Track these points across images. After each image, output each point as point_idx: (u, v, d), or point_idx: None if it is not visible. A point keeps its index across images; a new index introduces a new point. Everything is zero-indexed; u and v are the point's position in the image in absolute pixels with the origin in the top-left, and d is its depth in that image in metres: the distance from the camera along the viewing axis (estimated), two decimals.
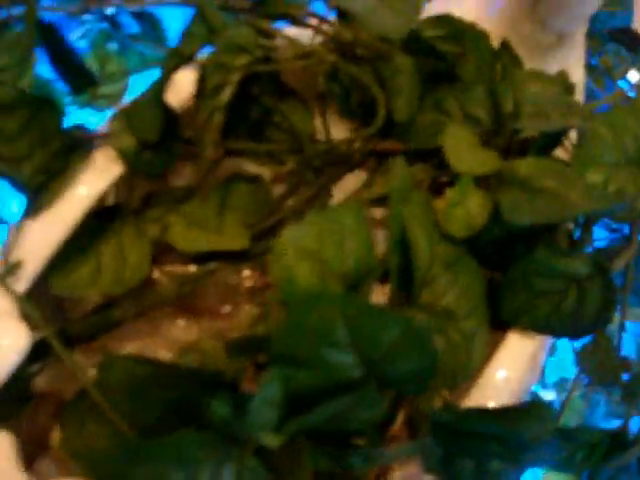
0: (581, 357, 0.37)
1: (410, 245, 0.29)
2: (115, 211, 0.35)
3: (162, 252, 0.36)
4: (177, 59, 0.32)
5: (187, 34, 0.31)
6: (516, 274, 0.32)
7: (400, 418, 0.29)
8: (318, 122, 0.37)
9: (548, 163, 0.31)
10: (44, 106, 0.31)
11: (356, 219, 0.26)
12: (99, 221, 0.35)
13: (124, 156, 0.33)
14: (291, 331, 0.24)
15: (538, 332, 0.34)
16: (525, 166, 0.31)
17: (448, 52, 0.36)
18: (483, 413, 0.27)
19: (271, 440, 0.25)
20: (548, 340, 0.36)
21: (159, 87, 0.32)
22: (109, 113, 0.34)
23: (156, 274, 0.36)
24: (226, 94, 0.31)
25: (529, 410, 0.27)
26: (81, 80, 0.34)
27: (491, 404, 0.33)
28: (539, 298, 0.33)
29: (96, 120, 0.34)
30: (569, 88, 0.36)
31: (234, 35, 0.31)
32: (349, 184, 0.39)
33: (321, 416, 0.25)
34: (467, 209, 0.30)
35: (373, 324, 0.23)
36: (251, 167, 0.38)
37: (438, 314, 0.30)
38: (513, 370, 0.34)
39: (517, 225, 0.30)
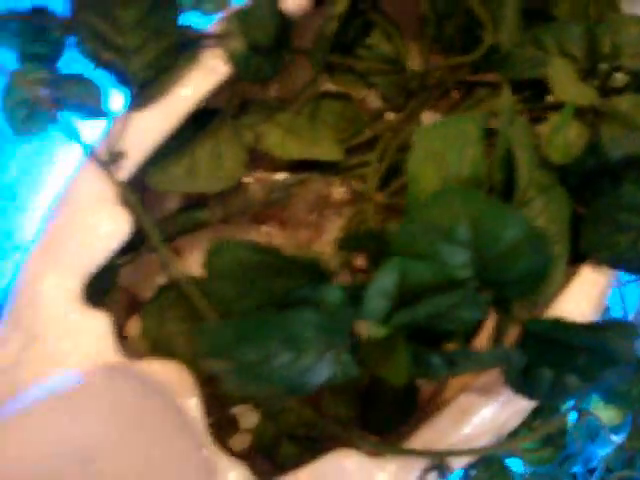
0: None
1: (513, 165, 0.30)
2: (213, 114, 0.36)
3: (255, 159, 0.37)
4: None
5: None
6: (601, 207, 0.34)
7: (486, 328, 0.31)
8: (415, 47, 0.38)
9: None
10: (162, 1, 0.32)
11: (477, 129, 0.27)
12: (198, 122, 0.36)
13: (233, 59, 0.34)
14: (413, 226, 0.25)
15: (614, 267, 0.35)
16: (625, 102, 0.32)
17: None
18: (575, 325, 0.28)
19: (377, 331, 0.27)
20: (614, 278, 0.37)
21: None
22: (217, 16, 0.35)
23: (247, 180, 0.37)
24: (343, 3, 0.32)
25: (617, 327, 0.28)
26: None
27: None
28: (620, 233, 0.34)
29: (204, 22, 0.35)
30: None
31: None
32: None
33: (426, 311, 0.26)
34: (567, 137, 0.31)
35: (495, 221, 0.24)
36: (342, 86, 0.39)
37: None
38: (583, 303, 0.36)
39: (613, 158, 0.32)
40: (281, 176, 0.37)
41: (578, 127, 0.32)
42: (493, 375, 0.33)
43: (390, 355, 0.28)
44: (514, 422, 0.35)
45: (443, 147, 0.27)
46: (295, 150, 0.35)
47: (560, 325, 0.28)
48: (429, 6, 0.37)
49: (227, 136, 0.36)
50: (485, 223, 0.24)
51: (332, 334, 0.27)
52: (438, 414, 0.33)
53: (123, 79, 0.34)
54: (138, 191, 0.34)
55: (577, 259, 0.36)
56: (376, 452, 0.33)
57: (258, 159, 0.37)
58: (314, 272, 0.28)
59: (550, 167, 0.32)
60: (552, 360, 0.30)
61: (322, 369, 0.28)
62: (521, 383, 0.31)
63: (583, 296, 0.36)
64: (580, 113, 0.33)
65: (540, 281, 0.26)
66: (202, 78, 0.34)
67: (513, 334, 0.30)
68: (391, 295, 0.26)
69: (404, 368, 0.28)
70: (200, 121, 0.36)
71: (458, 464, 0.34)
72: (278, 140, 0.35)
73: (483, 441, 0.33)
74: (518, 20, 0.35)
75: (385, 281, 0.26)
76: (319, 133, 0.36)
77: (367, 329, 0.27)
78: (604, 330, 0.29)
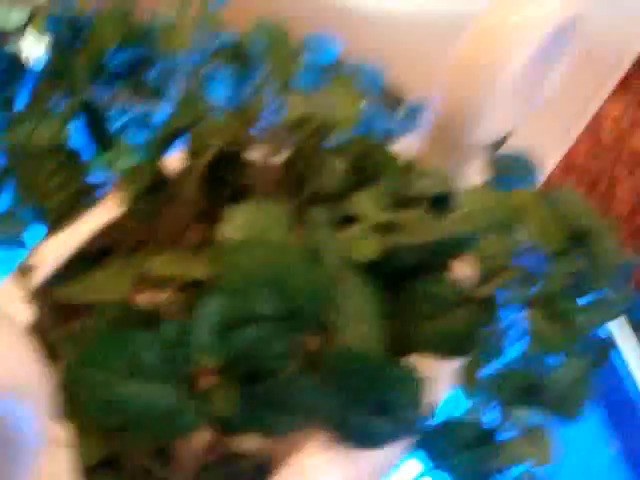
0: None
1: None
2: (110, 249, 0.47)
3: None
4: (167, 136, 0.45)
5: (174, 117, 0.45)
6: (405, 300, 0.43)
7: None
8: None
9: None
10: (74, 157, 0.45)
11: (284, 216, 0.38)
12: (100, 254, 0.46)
13: (124, 202, 0.45)
14: (228, 270, 0.35)
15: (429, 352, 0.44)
16: (412, 216, 0.43)
17: None
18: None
19: (208, 360, 0.35)
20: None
21: (153, 157, 0.46)
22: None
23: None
24: (205, 159, 0.45)
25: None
26: (103, 146, 0.48)
27: None
28: (423, 319, 0.43)
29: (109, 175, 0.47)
30: None
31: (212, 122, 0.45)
32: None
33: (242, 340, 0.35)
34: (366, 243, 0.42)
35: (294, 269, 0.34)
36: None
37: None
38: None
39: (407, 261, 0.42)
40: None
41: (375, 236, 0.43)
42: None
43: (220, 391, 0.36)
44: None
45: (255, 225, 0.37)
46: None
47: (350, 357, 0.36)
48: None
49: (119, 264, 0.46)
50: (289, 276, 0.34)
51: (173, 364, 0.35)
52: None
53: (42, 216, 0.45)
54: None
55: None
56: None
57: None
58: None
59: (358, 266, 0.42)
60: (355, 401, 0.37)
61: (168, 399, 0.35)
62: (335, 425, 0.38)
63: None
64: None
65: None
66: (100, 216, 0.46)
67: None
68: (214, 327, 0.35)
69: (233, 402, 0.36)
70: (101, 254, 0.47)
71: None
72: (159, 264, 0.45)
73: None
74: None
75: (210, 315, 0.34)
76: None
77: (202, 359, 0.35)
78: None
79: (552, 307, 0.42)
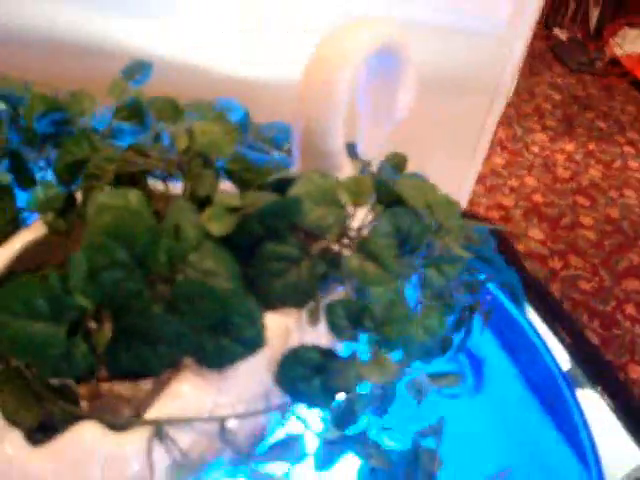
0: None
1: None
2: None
3: None
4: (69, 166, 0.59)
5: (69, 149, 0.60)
6: (258, 262, 0.55)
7: None
8: None
9: None
10: (8, 190, 0.59)
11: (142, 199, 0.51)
12: None
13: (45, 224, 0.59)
14: (92, 229, 0.47)
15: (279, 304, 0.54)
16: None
17: None
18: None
19: (84, 300, 0.47)
20: None
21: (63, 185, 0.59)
22: None
23: None
24: (105, 180, 0.58)
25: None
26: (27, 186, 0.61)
27: None
28: (273, 277, 0.54)
29: None
30: None
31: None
32: None
33: (107, 282, 0.47)
34: (221, 219, 0.54)
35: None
36: None
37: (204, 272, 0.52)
38: None
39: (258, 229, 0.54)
40: None
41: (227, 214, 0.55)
42: None
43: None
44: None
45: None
46: None
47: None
48: None
49: None
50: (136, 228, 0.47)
51: (61, 308, 0.47)
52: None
53: None
54: None
55: None
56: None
57: None
58: None
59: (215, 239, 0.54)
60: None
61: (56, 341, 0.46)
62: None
63: None
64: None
65: None
66: (26, 236, 0.59)
67: None
68: (83, 273, 0.46)
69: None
70: None
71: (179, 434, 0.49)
72: None
73: None
74: None
75: (80, 264, 0.47)
76: None
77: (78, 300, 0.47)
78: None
79: (368, 252, 0.53)
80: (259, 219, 0.54)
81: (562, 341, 0.72)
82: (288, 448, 0.54)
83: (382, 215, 0.56)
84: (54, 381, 0.50)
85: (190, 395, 0.50)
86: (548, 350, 0.72)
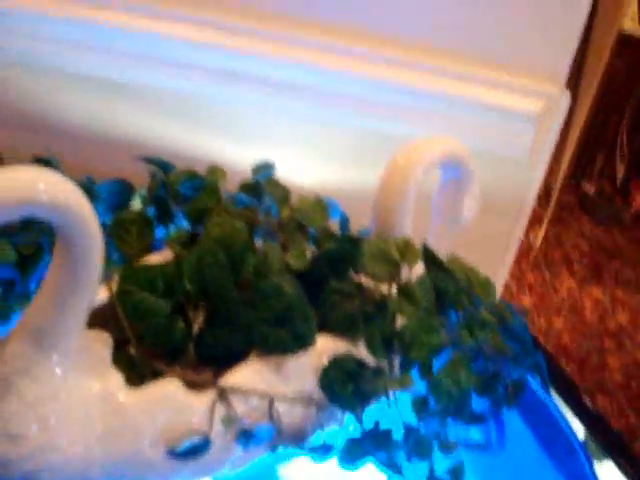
0: None
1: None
2: None
3: None
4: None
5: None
6: (322, 295, 0.71)
7: None
8: None
9: None
10: (150, 223, 0.79)
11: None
12: None
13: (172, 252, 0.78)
14: (205, 239, 0.66)
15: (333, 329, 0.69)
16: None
17: None
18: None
19: (190, 286, 0.64)
20: None
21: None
22: None
23: None
24: None
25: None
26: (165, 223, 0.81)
27: None
28: (332, 307, 0.70)
29: None
30: None
31: None
32: None
33: (208, 275, 0.64)
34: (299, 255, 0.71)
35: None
36: None
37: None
38: None
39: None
40: None
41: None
42: None
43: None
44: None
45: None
46: None
47: None
48: None
49: None
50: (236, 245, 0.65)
51: (172, 289, 0.64)
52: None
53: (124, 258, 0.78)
54: None
55: None
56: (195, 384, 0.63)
57: None
58: None
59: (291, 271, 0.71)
60: None
61: None
62: None
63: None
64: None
65: None
66: (153, 259, 0.78)
67: None
68: (193, 267, 0.65)
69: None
70: None
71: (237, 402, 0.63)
72: None
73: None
74: None
75: (190, 260, 0.65)
76: None
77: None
78: None
79: (407, 293, 0.68)
80: (327, 261, 0.71)
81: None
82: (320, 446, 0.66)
83: (426, 273, 0.71)
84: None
85: (251, 374, 0.65)
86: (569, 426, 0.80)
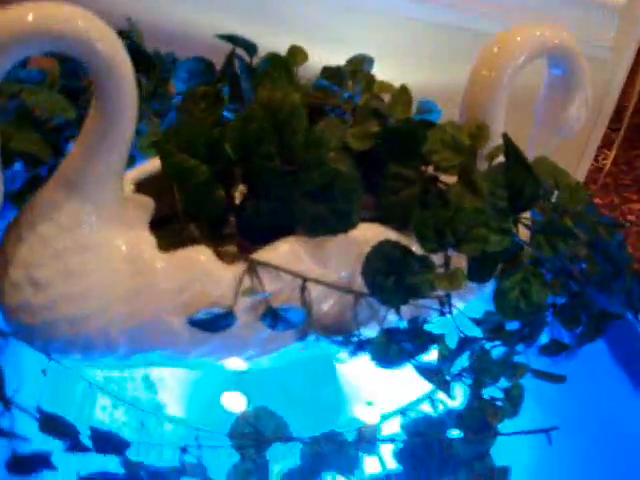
0: None
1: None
2: None
3: None
4: None
5: None
6: (380, 180, 0.64)
7: None
8: None
9: None
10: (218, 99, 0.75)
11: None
12: None
13: None
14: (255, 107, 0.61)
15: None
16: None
17: None
18: None
19: (231, 152, 0.60)
20: None
21: None
22: None
23: None
24: None
25: None
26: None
27: None
28: (390, 193, 0.63)
29: None
30: None
31: None
32: None
33: (249, 144, 0.59)
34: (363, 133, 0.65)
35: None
36: None
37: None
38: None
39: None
40: None
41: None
42: None
43: None
44: None
45: None
46: None
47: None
48: None
49: None
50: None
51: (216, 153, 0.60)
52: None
53: None
54: None
55: None
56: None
57: None
58: None
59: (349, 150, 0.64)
60: None
61: None
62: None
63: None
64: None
65: None
66: None
67: None
68: (237, 135, 0.60)
69: None
70: None
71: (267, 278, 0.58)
72: None
73: None
74: None
75: (233, 130, 0.60)
76: None
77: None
78: None
79: (470, 183, 0.60)
80: (390, 143, 0.64)
81: None
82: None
83: (500, 165, 0.62)
84: None
85: (287, 252, 0.60)
86: None
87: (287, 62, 0.74)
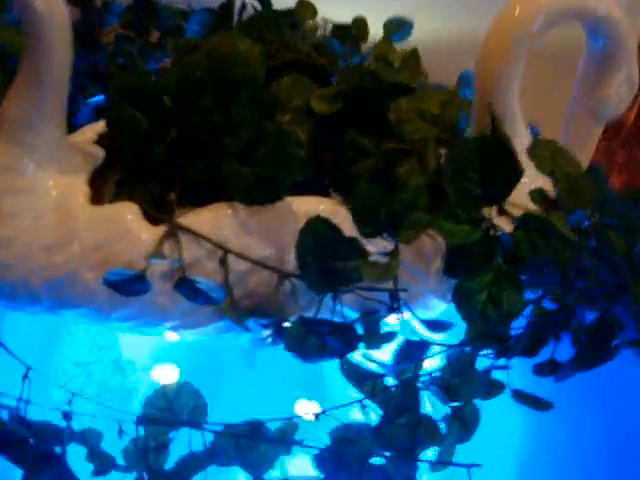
0: None
1: None
2: None
3: None
4: None
5: None
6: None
7: None
8: None
9: None
10: None
11: None
12: None
13: None
14: None
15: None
16: None
17: None
18: None
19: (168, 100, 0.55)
20: None
21: None
22: None
23: None
24: None
25: None
26: None
27: None
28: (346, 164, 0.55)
29: None
30: None
31: None
32: None
33: None
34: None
35: None
36: None
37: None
38: None
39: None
40: None
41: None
42: None
43: None
44: None
45: None
46: None
47: None
48: None
49: None
50: None
51: None
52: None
53: None
54: None
55: None
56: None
57: None
58: None
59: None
60: None
61: None
62: None
63: None
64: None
65: None
66: None
67: None
68: None
69: None
70: None
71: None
72: None
73: None
74: None
75: None
76: None
77: None
78: None
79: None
80: (352, 104, 0.56)
81: None
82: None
83: (472, 140, 0.52)
84: None
85: (214, 219, 0.54)
86: None
87: (275, 14, 0.67)
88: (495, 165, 0.51)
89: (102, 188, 0.58)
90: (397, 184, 0.51)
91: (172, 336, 0.59)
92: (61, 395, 0.62)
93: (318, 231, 0.51)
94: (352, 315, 0.56)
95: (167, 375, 0.62)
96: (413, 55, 0.67)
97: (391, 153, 0.54)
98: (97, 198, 0.57)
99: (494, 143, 0.51)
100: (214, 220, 0.54)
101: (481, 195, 0.52)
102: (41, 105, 0.54)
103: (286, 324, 0.53)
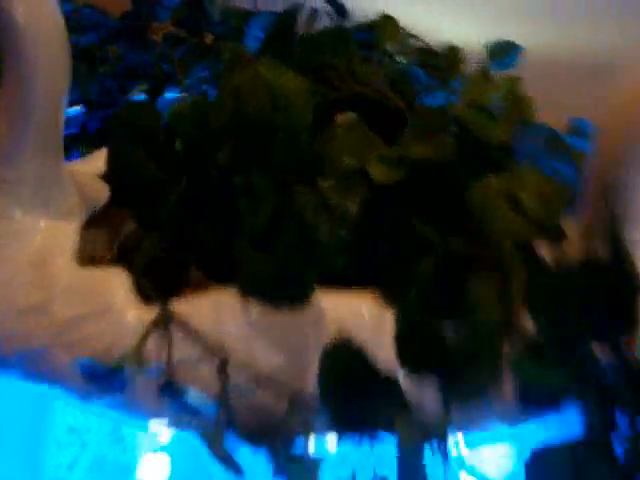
0: None
1: None
2: None
3: None
4: None
5: None
6: None
7: None
8: None
9: None
10: None
11: None
12: None
13: None
14: None
15: None
16: None
17: None
18: None
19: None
20: None
21: None
22: None
23: None
24: None
25: None
26: None
27: None
28: None
29: None
30: None
31: None
32: None
33: None
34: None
35: None
36: None
37: None
38: None
39: None
40: None
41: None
42: None
43: None
44: None
45: None
46: None
47: None
48: None
49: None
50: None
51: None
52: None
53: None
54: None
55: None
56: None
57: None
58: None
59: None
60: None
61: None
62: None
63: None
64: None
65: None
66: None
67: None
68: None
69: None
70: None
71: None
72: None
73: None
74: None
75: None
76: None
77: None
78: None
79: None
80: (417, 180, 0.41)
81: None
82: None
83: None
84: None
85: (210, 310, 0.42)
86: None
87: (345, 34, 0.52)
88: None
89: (103, 234, 0.46)
90: (464, 303, 0.37)
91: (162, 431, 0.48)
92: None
93: (345, 359, 0.37)
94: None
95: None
96: (523, 100, 0.51)
97: (462, 254, 0.39)
98: (93, 248, 0.46)
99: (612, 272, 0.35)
100: (215, 313, 0.41)
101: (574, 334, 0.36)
102: (22, 138, 0.43)
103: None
